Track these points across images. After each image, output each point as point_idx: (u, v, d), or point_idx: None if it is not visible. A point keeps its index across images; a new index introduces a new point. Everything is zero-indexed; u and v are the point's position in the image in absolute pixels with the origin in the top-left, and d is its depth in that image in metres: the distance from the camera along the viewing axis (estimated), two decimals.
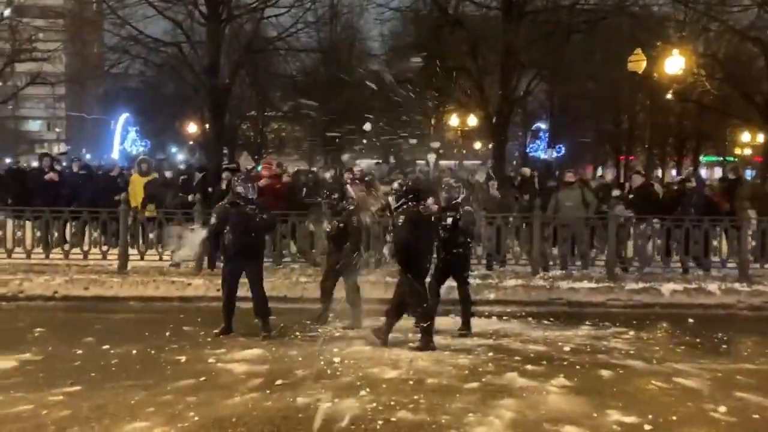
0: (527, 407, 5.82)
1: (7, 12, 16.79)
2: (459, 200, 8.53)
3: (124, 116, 47.29)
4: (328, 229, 8.77)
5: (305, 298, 10.46)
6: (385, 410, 5.66)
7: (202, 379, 6.50)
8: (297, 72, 23.31)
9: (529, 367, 7.07)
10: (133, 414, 5.51)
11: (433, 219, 8.05)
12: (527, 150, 34.68)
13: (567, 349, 7.89)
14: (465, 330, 8.56)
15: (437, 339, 8.18)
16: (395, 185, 8.49)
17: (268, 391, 6.12)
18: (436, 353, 7.52)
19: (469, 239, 8.63)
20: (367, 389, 6.20)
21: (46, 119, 61.49)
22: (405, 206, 7.86)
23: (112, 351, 7.49)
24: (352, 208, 8.61)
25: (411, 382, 6.48)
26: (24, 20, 16.50)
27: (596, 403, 5.93)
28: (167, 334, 8.23)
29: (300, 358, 7.27)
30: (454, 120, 33.35)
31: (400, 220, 7.80)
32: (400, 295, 7.90)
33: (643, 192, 13.00)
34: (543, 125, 39.99)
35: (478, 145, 46.14)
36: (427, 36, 18.75)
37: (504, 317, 9.70)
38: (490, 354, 7.58)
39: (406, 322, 8.06)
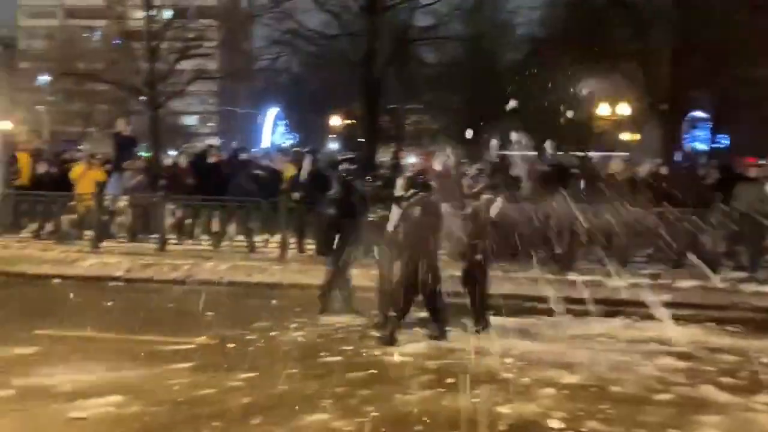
0: (736, 427, 5.19)
1: (168, 14, 17.83)
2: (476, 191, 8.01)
3: (274, 110, 49.32)
4: (372, 218, 8.35)
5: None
6: (573, 419, 5.24)
7: (372, 371, 6.40)
8: (442, 62, 23.07)
9: (724, 379, 6.36)
10: (311, 405, 5.46)
11: (443, 211, 7.63)
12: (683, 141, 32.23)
13: (765, 360, 7.05)
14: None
15: (606, 341, 7.65)
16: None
17: (441, 390, 5.90)
18: (614, 358, 6.98)
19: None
20: (547, 394, 5.82)
21: (200, 114, 65.49)
22: (415, 195, 7.52)
23: (280, 338, 7.60)
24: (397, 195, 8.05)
25: (593, 389, 6.01)
26: (188, 22, 17.40)
27: None
28: (330, 322, 8.25)
29: (466, 356, 6.99)
30: (603, 109, 31.70)
31: (411, 210, 7.45)
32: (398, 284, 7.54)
33: None
34: (699, 113, 37.11)
35: (626, 136, 43.73)
36: (583, 21, 17.73)
37: (680, 321, 8.90)
38: (676, 362, 6.91)
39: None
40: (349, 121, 36.85)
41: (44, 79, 49.03)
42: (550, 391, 5.90)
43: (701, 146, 37.42)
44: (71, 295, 9.94)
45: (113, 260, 11.68)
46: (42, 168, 13.16)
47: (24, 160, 13.83)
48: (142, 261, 11.61)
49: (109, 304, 9.63)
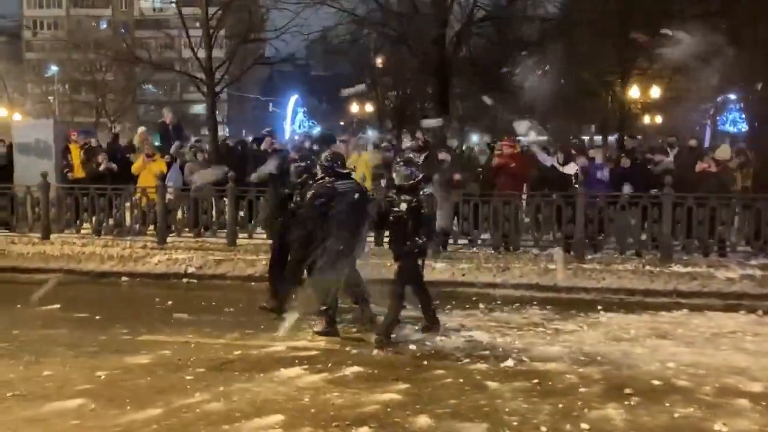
0: None
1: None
2: (418, 180, 6.90)
3: (294, 98, 48.61)
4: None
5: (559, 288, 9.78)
6: None
7: (534, 381, 5.80)
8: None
9: None
10: (499, 423, 4.87)
11: (356, 198, 7.02)
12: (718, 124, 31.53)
13: None
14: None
15: (753, 340, 7.09)
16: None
17: (628, 402, 5.31)
18: None
19: (423, 230, 6.83)
20: (746, 407, 5.23)
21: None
22: (321, 180, 7.17)
23: (401, 340, 6.98)
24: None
25: None
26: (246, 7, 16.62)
27: None
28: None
29: (617, 361, 6.40)
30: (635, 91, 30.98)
31: (309, 195, 7.11)
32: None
33: None
34: (731, 95, 36.38)
35: (646, 119, 43.12)
36: None
37: None
38: None
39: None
40: (372, 109, 36.07)
41: (55, 69, 48.37)
42: (745, 403, 5.32)
43: (731, 129, 36.84)
44: (149, 294, 9.37)
45: (182, 256, 11.05)
46: (102, 161, 12.49)
47: (76, 152, 13.20)
48: (212, 257, 11.00)
49: (193, 303, 9.04)
